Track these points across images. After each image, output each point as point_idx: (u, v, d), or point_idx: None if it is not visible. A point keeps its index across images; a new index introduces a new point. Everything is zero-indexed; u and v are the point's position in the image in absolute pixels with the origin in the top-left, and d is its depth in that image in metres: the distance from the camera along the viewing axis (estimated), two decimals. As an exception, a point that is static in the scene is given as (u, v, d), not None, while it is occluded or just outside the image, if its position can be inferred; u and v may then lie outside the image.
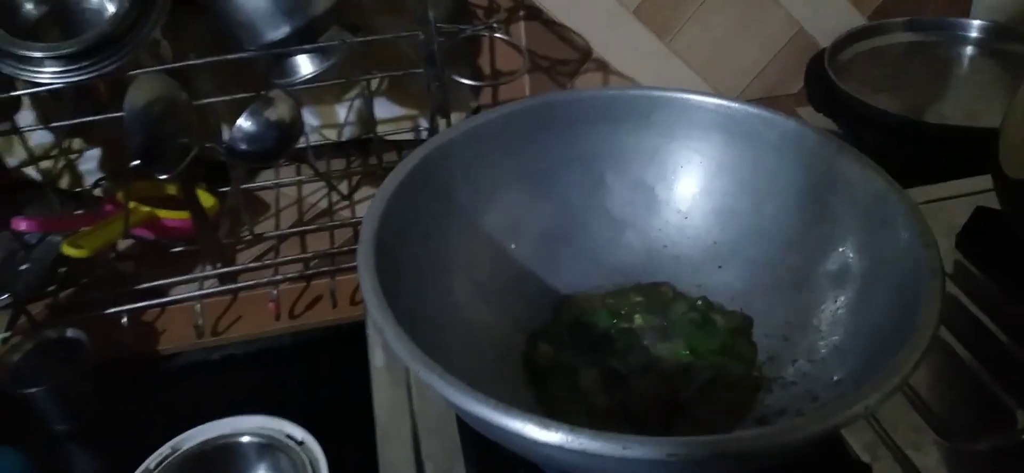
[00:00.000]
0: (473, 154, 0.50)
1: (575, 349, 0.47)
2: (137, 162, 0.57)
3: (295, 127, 0.59)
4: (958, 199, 0.63)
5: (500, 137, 0.51)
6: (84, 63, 0.61)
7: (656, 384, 0.45)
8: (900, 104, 0.77)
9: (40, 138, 0.76)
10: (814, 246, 0.48)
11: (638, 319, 0.49)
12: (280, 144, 0.59)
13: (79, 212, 0.75)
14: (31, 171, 0.75)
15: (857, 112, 0.75)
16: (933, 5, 0.92)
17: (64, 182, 0.78)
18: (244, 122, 0.57)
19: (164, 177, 0.59)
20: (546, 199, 0.52)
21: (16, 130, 0.67)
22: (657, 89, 0.52)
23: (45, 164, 0.76)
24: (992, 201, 0.56)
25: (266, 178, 0.81)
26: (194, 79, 0.74)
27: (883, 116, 0.74)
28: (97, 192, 0.77)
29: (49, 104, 0.70)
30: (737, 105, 0.51)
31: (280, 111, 0.58)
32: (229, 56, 0.65)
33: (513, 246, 0.51)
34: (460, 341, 0.45)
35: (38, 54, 0.60)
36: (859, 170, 0.46)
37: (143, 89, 0.57)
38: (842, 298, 0.45)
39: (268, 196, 0.80)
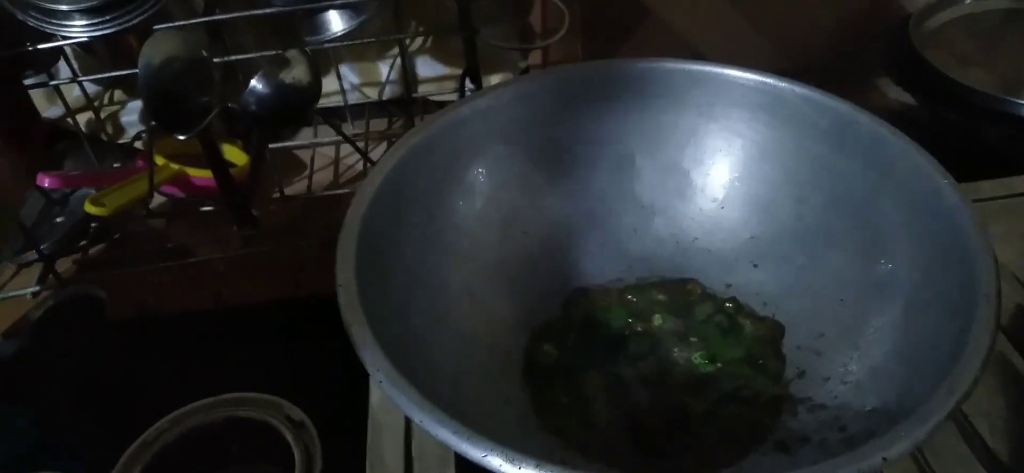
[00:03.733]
0: (487, 129, 0.46)
1: (581, 350, 0.43)
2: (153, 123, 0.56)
3: (312, 90, 0.56)
4: (1049, 194, 0.55)
5: (517, 111, 0.47)
6: (107, 17, 0.59)
7: (666, 396, 0.41)
8: (993, 81, 0.68)
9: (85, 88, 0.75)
10: (861, 249, 0.42)
11: (657, 320, 0.45)
12: (296, 107, 0.56)
13: (117, 165, 0.74)
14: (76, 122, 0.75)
15: (942, 88, 0.68)
16: (1043, -34, 0.82)
17: (108, 133, 0.78)
18: (257, 83, 0.54)
19: (182, 137, 0.57)
20: (567, 180, 0.48)
21: (47, 83, 0.67)
22: (696, 63, 0.47)
23: (87, 115, 0.75)
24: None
25: (304, 137, 0.79)
26: (235, 33, 0.72)
27: (971, 94, 0.66)
28: (138, 144, 0.76)
29: (83, 58, 0.69)
30: (784, 84, 0.45)
31: (296, 73, 0.55)
32: (257, 11, 0.63)
33: (526, 230, 0.47)
34: (454, 335, 0.41)
35: (64, 7, 0.59)
36: (916, 165, 0.40)
37: (159, 46, 0.55)
38: (886, 313, 0.40)
39: (305, 155, 0.78)
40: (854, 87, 0.73)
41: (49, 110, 0.77)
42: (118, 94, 0.78)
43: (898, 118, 0.70)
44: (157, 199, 0.72)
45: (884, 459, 0.28)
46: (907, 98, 0.70)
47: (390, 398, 0.31)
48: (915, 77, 0.70)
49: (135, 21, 0.59)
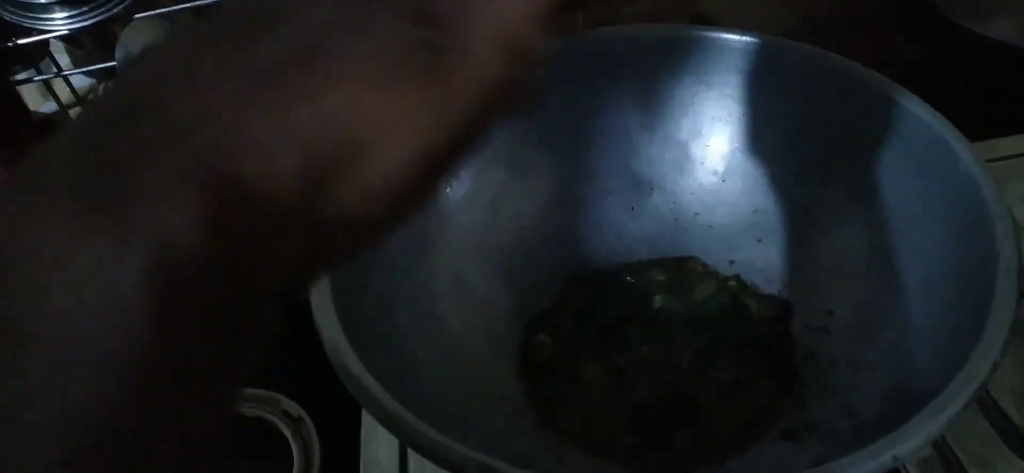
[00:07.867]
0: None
1: (579, 339, 0.41)
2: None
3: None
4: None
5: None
6: (86, 8, 0.57)
7: (669, 384, 0.39)
8: (1014, 30, 0.65)
9: (78, 82, 0.74)
10: (872, 221, 0.40)
11: (657, 301, 0.42)
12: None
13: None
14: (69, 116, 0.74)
15: (962, 41, 0.64)
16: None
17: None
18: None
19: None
20: (560, 158, 0.46)
21: (32, 78, 0.65)
22: (691, 27, 0.44)
23: (79, 110, 0.74)
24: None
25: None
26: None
27: (995, 46, 0.62)
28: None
29: (74, 50, 0.68)
30: (784, 46, 0.42)
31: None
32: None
33: (517, 212, 0.45)
34: (445, 331, 0.39)
35: (43, 0, 0.58)
36: (930, 128, 0.37)
37: (138, 34, 0.54)
38: (899, 288, 0.37)
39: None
40: (867, 44, 0.70)
41: (44, 105, 0.76)
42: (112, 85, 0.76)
43: (913, 75, 0.67)
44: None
45: (895, 457, 0.26)
46: (923, 53, 0.67)
47: (345, 380, 0.29)
48: (930, 30, 0.67)
49: (114, 10, 0.58)
